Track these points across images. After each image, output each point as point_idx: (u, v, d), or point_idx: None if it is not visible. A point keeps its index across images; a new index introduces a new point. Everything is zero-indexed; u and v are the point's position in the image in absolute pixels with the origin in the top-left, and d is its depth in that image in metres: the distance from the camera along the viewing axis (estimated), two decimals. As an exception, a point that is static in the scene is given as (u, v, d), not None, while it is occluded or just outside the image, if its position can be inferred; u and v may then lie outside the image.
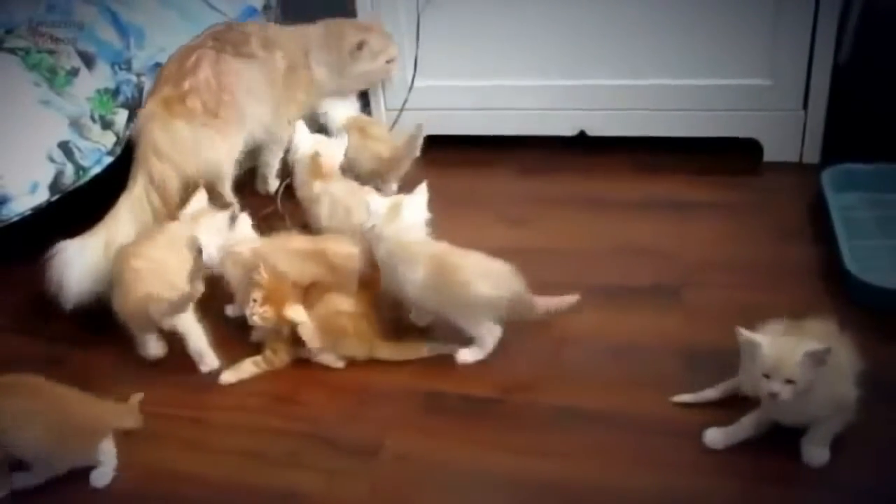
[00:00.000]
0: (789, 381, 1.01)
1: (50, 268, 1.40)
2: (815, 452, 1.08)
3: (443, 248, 1.32)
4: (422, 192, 1.37)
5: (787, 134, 1.75)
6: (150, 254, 1.37)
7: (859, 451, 1.09)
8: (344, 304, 1.33)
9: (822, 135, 1.73)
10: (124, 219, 1.49)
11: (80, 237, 1.45)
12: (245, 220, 1.46)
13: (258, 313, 1.30)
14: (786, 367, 1.01)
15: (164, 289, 1.31)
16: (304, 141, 1.63)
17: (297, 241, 1.43)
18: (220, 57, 1.66)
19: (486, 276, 1.27)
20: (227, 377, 1.33)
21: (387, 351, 1.33)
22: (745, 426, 1.11)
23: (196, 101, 1.60)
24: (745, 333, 1.05)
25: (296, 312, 1.30)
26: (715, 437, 1.12)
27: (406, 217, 1.34)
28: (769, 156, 1.78)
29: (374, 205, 1.36)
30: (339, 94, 1.83)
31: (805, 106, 1.72)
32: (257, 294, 1.30)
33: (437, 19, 1.81)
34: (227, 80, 1.65)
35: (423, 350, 1.33)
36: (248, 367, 1.34)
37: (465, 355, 1.31)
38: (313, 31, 1.78)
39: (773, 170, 1.76)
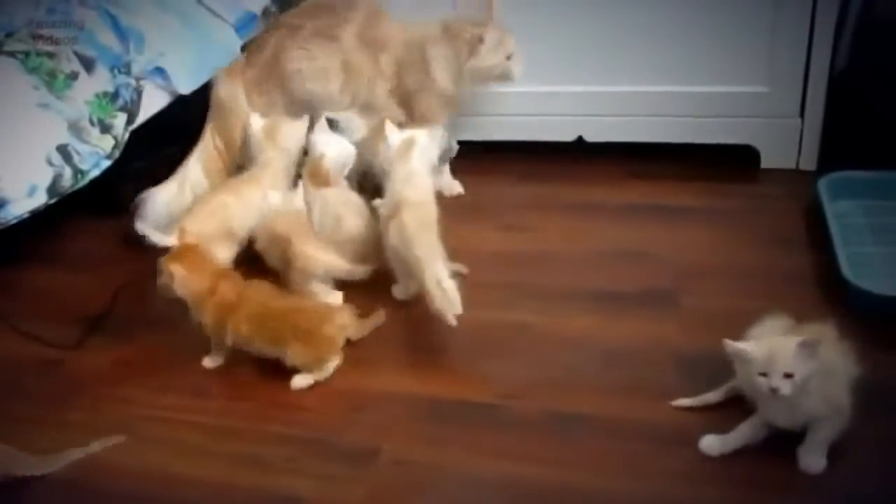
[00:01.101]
0: (787, 375, 1.02)
1: (138, 211, 1.65)
2: (812, 460, 1.08)
3: (413, 198, 1.42)
4: (436, 135, 1.52)
5: (783, 141, 1.76)
6: (239, 190, 1.57)
7: (856, 459, 1.09)
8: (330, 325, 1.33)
9: (819, 142, 1.74)
10: (193, 163, 1.73)
11: (163, 183, 1.69)
12: (300, 191, 1.55)
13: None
14: (781, 362, 1.02)
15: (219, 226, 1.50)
16: (319, 141, 1.61)
17: (278, 223, 1.49)
18: (291, 34, 1.71)
19: (401, 235, 1.38)
20: (208, 362, 1.37)
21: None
22: (741, 433, 1.12)
23: (249, 73, 1.74)
24: (731, 345, 1.06)
25: (176, 268, 1.31)
26: (711, 444, 1.12)
27: (415, 159, 1.47)
28: (766, 163, 1.79)
29: (390, 137, 1.50)
30: (456, 99, 1.75)
31: (802, 113, 1.73)
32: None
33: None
34: (287, 56, 1.71)
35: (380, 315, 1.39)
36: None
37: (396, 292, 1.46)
38: (428, 34, 1.71)
39: (769, 176, 1.77)
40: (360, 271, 1.46)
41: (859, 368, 1.11)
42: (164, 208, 1.67)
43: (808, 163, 1.76)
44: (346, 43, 1.71)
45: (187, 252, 1.35)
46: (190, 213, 1.56)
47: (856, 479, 1.08)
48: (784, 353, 1.03)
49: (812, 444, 1.08)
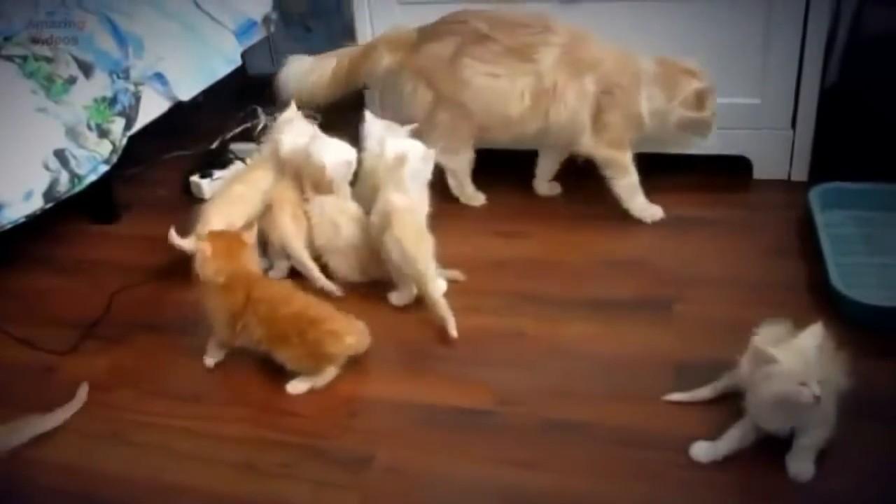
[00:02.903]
0: (819, 381, 1.04)
1: (282, 72, 1.78)
2: (801, 467, 1.09)
3: (402, 206, 1.45)
4: (430, 153, 1.53)
5: (775, 152, 1.78)
6: (248, 178, 1.63)
7: (844, 466, 1.10)
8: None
9: (810, 153, 1.76)
10: (331, 56, 1.77)
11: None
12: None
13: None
14: (816, 370, 1.04)
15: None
16: (317, 149, 1.59)
17: (274, 194, 1.57)
18: (479, 42, 1.61)
19: (400, 251, 1.42)
20: (208, 361, 1.38)
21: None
22: (731, 438, 1.13)
23: (419, 61, 1.68)
24: (760, 349, 1.06)
25: (204, 247, 1.32)
26: (702, 450, 1.13)
27: (406, 174, 1.49)
28: (758, 173, 1.80)
29: (388, 147, 1.53)
30: (655, 141, 1.67)
31: (793, 125, 1.75)
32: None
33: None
34: (467, 63, 1.62)
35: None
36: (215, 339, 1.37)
37: (394, 298, 1.48)
38: (645, 66, 1.61)
39: (762, 187, 1.79)
40: (325, 284, 1.51)
41: (850, 380, 1.12)
42: (296, 75, 1.76)
43: (800, 174, 1.78)
44: (544, 65, 1.59)
45: (224, 240, 1.34)
46: (211, 204, 1.57)
47: (844, 486, 1.08)
48: (817, 360, 1.05)
49: (800, 452, 1.09)
